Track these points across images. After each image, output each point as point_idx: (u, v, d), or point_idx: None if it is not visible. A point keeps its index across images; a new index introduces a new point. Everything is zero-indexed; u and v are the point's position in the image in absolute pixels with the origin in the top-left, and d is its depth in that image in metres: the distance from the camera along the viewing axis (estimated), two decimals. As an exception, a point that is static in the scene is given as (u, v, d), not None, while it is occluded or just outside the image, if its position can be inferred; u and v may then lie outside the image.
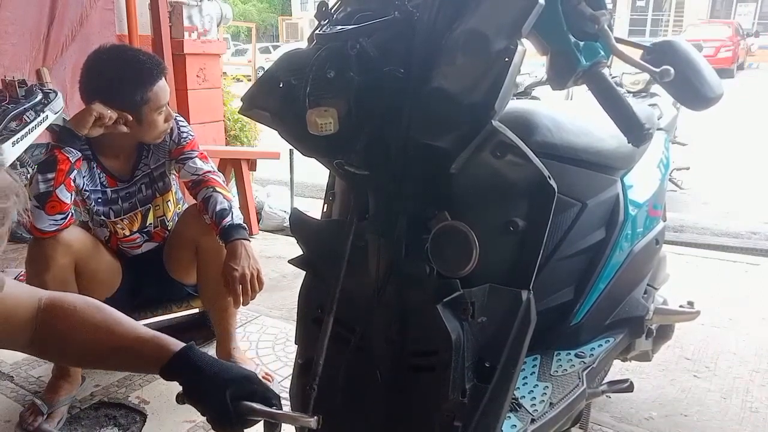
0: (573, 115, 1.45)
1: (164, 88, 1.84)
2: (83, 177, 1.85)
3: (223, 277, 1.75)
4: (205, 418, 0.92)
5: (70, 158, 1.72)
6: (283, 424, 0.93)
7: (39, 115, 2.61)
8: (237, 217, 1.84)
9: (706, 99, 1.09)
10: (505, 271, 1.02)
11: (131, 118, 1.79)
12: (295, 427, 1.14)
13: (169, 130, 1.94)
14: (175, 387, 0.94)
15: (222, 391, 0.90)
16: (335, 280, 1.02)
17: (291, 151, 3.66)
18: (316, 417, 0.94)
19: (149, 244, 2.06)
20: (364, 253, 1.03)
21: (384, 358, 1.05)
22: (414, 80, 0.93)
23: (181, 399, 0.94)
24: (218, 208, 1.83)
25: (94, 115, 1.72)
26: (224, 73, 5.63)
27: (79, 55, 3.18)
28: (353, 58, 0.93)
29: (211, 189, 1.88)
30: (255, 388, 0.93)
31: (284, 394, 1.18)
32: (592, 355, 1.37)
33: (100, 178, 1.90)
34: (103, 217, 1.94)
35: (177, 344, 0.96)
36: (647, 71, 1.01)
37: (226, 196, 1.89)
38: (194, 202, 1.96)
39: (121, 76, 1.77)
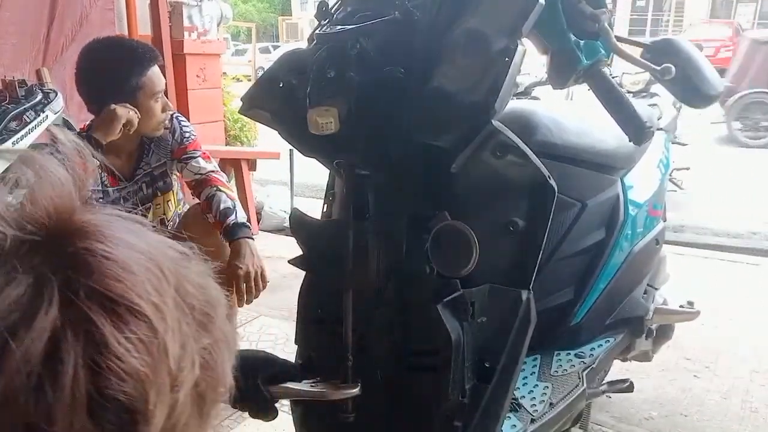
0: (573, 115, 1.45)
1: (158, 74, 1.85)
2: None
3: (227, 275, 1.74)
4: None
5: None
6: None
7: (39, 115, 2.61)
8: (241, 215, 1.84)
9: (707, 96, 1.09)
10: (505, 271, 1.02)
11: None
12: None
13: (169, 130, 1.94)
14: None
15: (254, 381, 0.89)
16: (350, 280, 1.00)
17: (291, 151, 3.66)
18: (359, 384, 0.95)
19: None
20: (364, 253, 1.03)
21: (384, 358, 1.05)
22: (414, 80, 0.93)
23: None
24: (222, 206, 1.83)
25: (122, 121, 1.73)
26: (224, 73, 5.63)
27: (79, 55, 3.18)
28: (353, 57, 0.93)
29: (215, 188, 1.89)
30: (278, 368, 0.93)
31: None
32: (592, 355, 1.37)
33: (102, 177, 1.90)
34: None
35: None
36: (648, 69, 1.01)
37: (230, 195, 1.89)
38: (195, 202, 1.96)
39: (114, 63, 1.78)
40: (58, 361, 0.32)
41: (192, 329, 0.39)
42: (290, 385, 0.91)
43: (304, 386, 0.92)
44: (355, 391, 0.95)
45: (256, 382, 0.89)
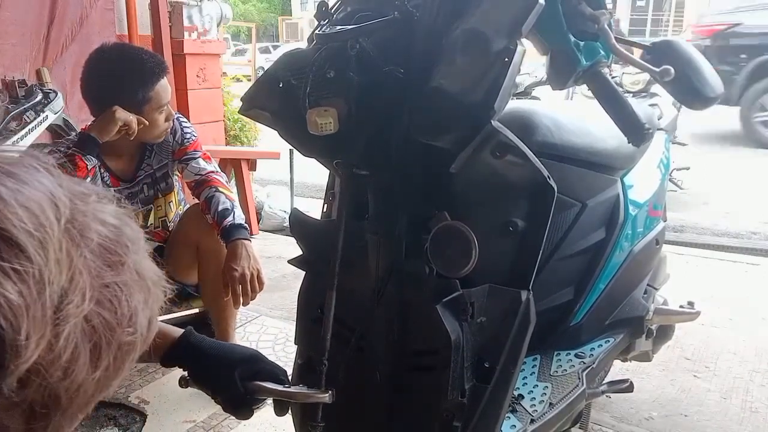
0: (573, 115, 1.45)
1: (166, 87, 1.84)
2: (89, 179, 1.85)
3: (223, 277, 1.74)
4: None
5: (88, 166, 1.73)
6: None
7: (39, 115, 2.61)
8: (238, 217, 1.84)
9: (706, 98, 1.08)
10: (504, 271, 1.02)
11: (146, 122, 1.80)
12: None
13: (170, 130, 1.94)
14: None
15: (230, 372, 0.89)
16: (331, 279, 1.01)
17: (291, 151, 3.66)
18: (330, 392, 0.95)
19: (150, 243, 2.06)
20: (364, 253, 1.03)
21: (384, 358, 1.05)
22: (414, 80, 0.93)
23: (184, 383, 0.93)
24: (220, 207, 1.83)
25: (120, 125, 1.73)
26: (224, 73, 5.64)
27: (79, 55, 3.17)
28: (353, 57, 0.93)
29: (214, 189, 1.89)
30: (262, 366, 0.94)
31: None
32: (592, 355, 1.37)
33: (104, 178, 1.90)
34: None
35: (176, 330, 0.94)
36: (647, 71, 1.01)
37: (229, 196, 1.89)
38: (195, 202, 1.96)
39: (123, 75, 1.77)
40: None
41: (89, 263, 0.37)
42: (264, 383, 0.92)
43: (276, 386, 0.92)
44: (325, 397, 0.95)
45: (233, 375, 0.89)
